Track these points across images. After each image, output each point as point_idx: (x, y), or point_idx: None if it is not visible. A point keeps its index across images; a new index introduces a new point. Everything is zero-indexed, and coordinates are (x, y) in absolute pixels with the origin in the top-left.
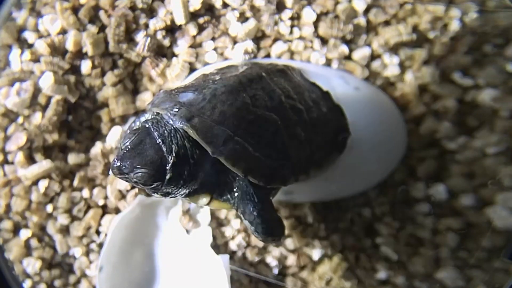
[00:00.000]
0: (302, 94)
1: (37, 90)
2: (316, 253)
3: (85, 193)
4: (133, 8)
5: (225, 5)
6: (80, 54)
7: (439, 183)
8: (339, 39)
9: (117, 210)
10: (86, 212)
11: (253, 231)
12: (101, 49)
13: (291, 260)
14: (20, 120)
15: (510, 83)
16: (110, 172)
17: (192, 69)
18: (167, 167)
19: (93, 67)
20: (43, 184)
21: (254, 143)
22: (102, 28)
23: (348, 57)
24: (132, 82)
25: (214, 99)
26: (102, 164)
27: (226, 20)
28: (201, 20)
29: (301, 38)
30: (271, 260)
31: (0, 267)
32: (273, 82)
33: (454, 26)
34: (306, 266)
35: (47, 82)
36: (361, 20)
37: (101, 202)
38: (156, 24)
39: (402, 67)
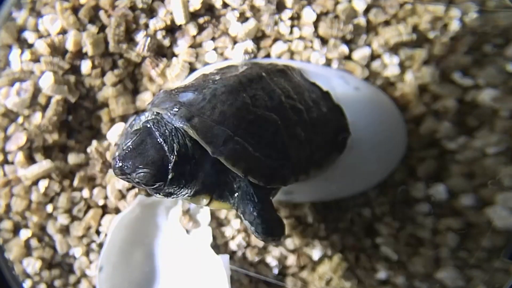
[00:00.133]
0: (302, 94)
1: (37, 90)
2: (316, 253)
3: (85, 193)
4: (133, 8)
5: (225, 5)
6: (80, 54)
7: (439, 183)
8: (339, 39)
9: (117, 210)
10: (86, 212)
11: (253, 231)
12: (101, 49)
13: (291, 260)
14: (20, 120)
15: (510, 83)
16: (112, 172)
17: (192, 69)
18: (169, 167)
19: (93, 67)
20: (43, 184)
21: (254, 143)
22: (102, 28)
23: (348, 57)
24: (132, 82)
25: (214, 99)
26: (100, 162)
27: (226, 20)
28: (201, 20)
29: (301, 38)
30: (271, 260)
31: (0, 267)
32: (273, 82)
33: (454, 26)
34: (306, 266)
35: (47, 82)
36: (361, 20)
37: (101, 202)
38: (156, 24)
39: (402, 67)
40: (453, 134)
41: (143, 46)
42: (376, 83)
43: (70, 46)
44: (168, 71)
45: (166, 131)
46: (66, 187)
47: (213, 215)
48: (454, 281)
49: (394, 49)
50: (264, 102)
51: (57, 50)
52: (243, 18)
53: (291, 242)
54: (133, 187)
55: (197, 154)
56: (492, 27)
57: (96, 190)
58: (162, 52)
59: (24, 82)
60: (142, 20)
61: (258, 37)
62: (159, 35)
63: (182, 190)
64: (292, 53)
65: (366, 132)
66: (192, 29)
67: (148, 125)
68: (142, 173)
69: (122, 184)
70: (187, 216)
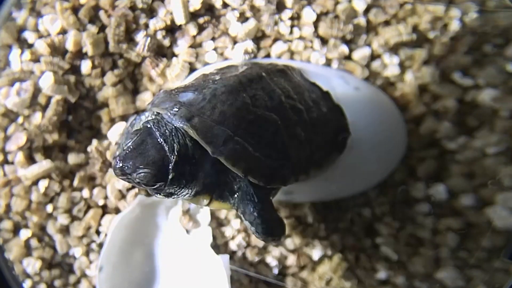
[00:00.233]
0: (302, 94)
1: (37, 90)
2: (316, 253)
3: (85, 193)
4: (133, 8)
5: (225, 5)
6: (80, 54)
7: (439, 183)
8: (339, 39)
9: (117, 210)
10: (86, 212)
11: (253, 231)
12: (101, 49)
13: (291, 260)
14: (20, 120)
15: (510, 83)
16: (112, 172)
17: (192, 69)
18: (170, 167)
19: (93, 67)
20: (43, 184)
21: (254, 143)
22: (102, 28)
23: (348, 57)
24: (132, 82)
25: (214, 99)
26: (100, 161)
27: (226, 20)
28: (201, 20)
29: (301, 38)
30: (271, 260)
31: (0, 267)
32: (273, 82)
33: (454, 26)
34: (306, 266)
35: (47, 82)
36: (361, 20)
37: (101, 202)
38: (156, 24)
39: (402, 67)
40: (453, 134)
41: (143, 46)
42: (376, 83)
43: (70, 46)
44: (168, 71)
45: (167, 131)
46: (66, 187)
47: (213, 215)
48: (454, 281)
49: (394, 49)
50: (264, 102)
51: (57, 50)
52: (243, 18)
53: (291, 242)
54: (133, 187)
55: (197, 154)
56: (492, 27)
57: (96, 190)
58: (162, 52)
59: (24, 82)
60: (142, 20)
61: (258, 37)
62: (159, 35)
63: (182, 190)
64: (292, 53)
65: (366, 132)
66: (192, 29)
67: (149, 125)
68: (143, 173)
69: (122, 184)
70: (187, 216)
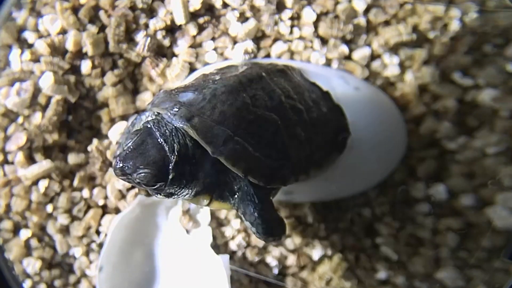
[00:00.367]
0: (302, 94)
1: (37, 90)
2: (316, 253)
3: (85, 193)
4: (133, 8)
5: (225, 5)
6: (80, 54)
7: (439, 183)
8: (339, 39)
9: (117, 210)
10: (86, 212)
11: (254, 231)
12: (101, 49)
13: (291, 260)
14: (20, 120)
15: (510, 83)
16: (113, 172)
17: (192, 69)
18: (170, 167)
19: (93, 67)
20: (43, 184)
21: (254, 143)
22: (102, 28)
23: (348, 57)
24: (132, 82)
25: (214, 99)
26: (100, 161)
27: (226, 20)
28: (201, 20)
29: (301, 38)
30: (271, 260)
31: (0, 267)
32: (273, 82)
33: (454, 26)
34: (306, 266)
35: (47, 82)
36: (361, 20)
37: (101, 202)
38: (156, 24)
39: (402, 67)
40: (453, 134)
41: (143, 46)
42: (376, 83)
43: (70, 46)
44: (168, 71)
45: (167, 131)
46: (66, 187)
47: (213, 215)
48: (454, 281)
49: (394, 49)
50: (264, 102)
51: (57, 50)
52: (243, 18)
53: (291, 242)
54: (133, 187)
55: (197, 154)
56: (492, 27)
57: (96, 190)
58: (162, 52)
59: (24, 82)
60: (142, 20)
61: (258, 37)
62: (159, 35)
63: (182, 190)
64: (292, 53)
65: (366, 132)
66: (192, 29)
67: (149, 125)
68: (143, 174)
69: (122, 184)
70: (187, 216)
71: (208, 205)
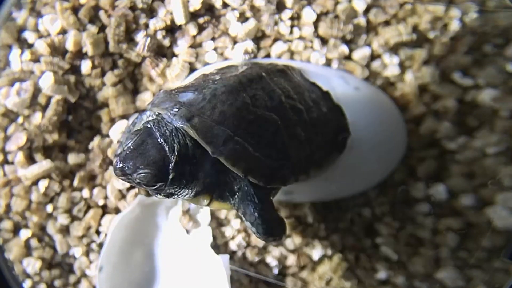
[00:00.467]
0: (302, 94)
1: (37, 90)
2: (316, 253)
3: (85, 193)
4: (133, 8)
5: (225, 5)
6: (80, 54)
7: (439, 183)
8: (339, 39)
9: (117, 210)
10: (86, 212)
11: (254, 231)
12: (101, 49)
13: (291, 260)
14: (20, 120)
15: (510, 83)
16: (113, 172)
17: (192, 69)
18: (170, 167)
19: (93, 67)
20: (43, 184)
21: (254, 143)
22: (102, 28)
23: (348, 57)
24: (132, 82)
25: (214, 99)
26: (100, 158)
27: (226, 20)
28: (201, 20)
29: (301, 38)
30: (271, 260)
31: (0, 267)
32: (273, 82)
33: (454, 26)
34: (306, 266)
35: (47, 82)
36: (361, 20)
37: (101, 202)
38: (156, 24)
39: (402, 67)
40: (453, 134)
41: (143, 46)
42: (376, 83)
43: (70, 46)
44: (168, 71)
45: (167, 131)
46: (66, 187)
47: (213, 215)
48: (454, 281)
49: (394, 49)
50: (264, 102)
51: (57, 50)
52: (243, 18)
53: (291, 242)
54: (133, 187)
55: (198, 154)
56: (492, 27)
57: (96, 190)
58: (162, 52)
59: (24, 82)
60: (142, 20)
61: (258, 37)
62: (159, 35)
63: (182, 190)
64: (292, 53)
65: (366, 132)
66: (192, 29)
67: (149, 126)
68: (143, 174)
69: (122, 184)
70: (187, 216)
71: (208, 205)
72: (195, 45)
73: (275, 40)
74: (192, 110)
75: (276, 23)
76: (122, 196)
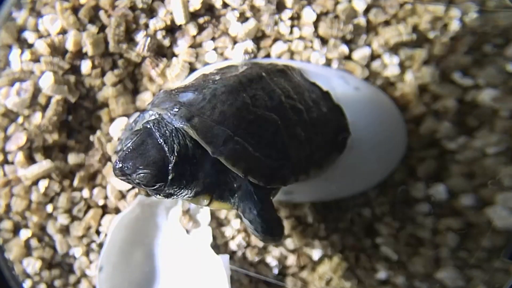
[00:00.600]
0: (302, 94)
1: (37, 90)
2: (316, 253)
3: (85, 193)
4: (133, 8)
5: (225, 5)
6: (80, 54)
7: (439, 183)
8: (339, 39)
9: (117, 210)
10: (86, 212)
11: (252, 230)
12: (101, 49)
13: (291, 260)
14: (20, 120)
15: (510, 83)
16: (112, 172)
17: (192, 69)
18: (169, 167)
19: (93, 67)
20: (43, 184)
21: (254, 143)
22: (102, 28)
23: (348, 57)
24: (132, 82)
25: (214, 99)
26: (100, 153)
27: (226, 20)
28: (201, 20)
29: (301, 38)
30: (271, 260)
31: (0, 267)
32: (273, 82)
33: (454, 26)
34: (306, 266)
35: (47, 82)
36: (361, 20)
37: (101, 202)
38: (156, 24)
39: (402, 67)
40: (453, 134)
41: (143, 46)
42: (376, 83)
43: (70, 46)
44: (168, 71)
45: (167, 131)
46: (66, 187)
47: (213, 215)
48: (454, 281)
49: (394, 49)
50: (264, 102)
51: (57, 50)
52: (243, 18)
53: (291, 242)
54: (133, 187)
55: (198, 154)
56: (492, 27)
57: (96, 190)
58: (162, 52)
59: (24, 82)
60: (142, 20)
61: (258, 37)
62: (159, 35)
63: (182, 190)
64: (292, 53)
65: (366, 132)
66: (192, 29)
67: (148, 126)
68: (143, 174)
69: (123, 184)
70: (187, 216)
71: (208, 205)
72: (195, 45)
73: (275, 40)
74: (192, 110)
75: (276, 23)
76: (122, 196)
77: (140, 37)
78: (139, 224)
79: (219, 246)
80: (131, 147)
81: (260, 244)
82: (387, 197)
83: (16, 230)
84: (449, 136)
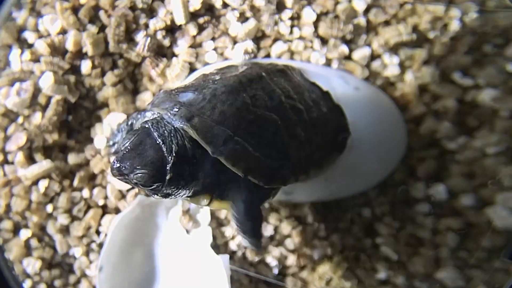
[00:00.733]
0: (302, 94)
1: (37, 90)
2: (316, 253)
3: (85, 193)
4: (133, 8)
5: (225, 5)
6: (80, 54)
7: (439, 183)
8: (339, 39)
9: (117, 210)
10: (86, 212)
11: (239, 226)
12: (101, 49)
13: (291, 260)
14: (20, 120)
15: (510, 83)
16: (110, 172)
17: (192, 69)
18: (167, 167)
19: (93, 67)
20: (43, 184)
21: (254, 143)
22: (102, 28)
23: (348, 57)
24: (132, 82)
25: (214, 99)
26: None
27: (226, 20)
28: (201, 20)
29: (301, 38)
30: (271, 260)
31: (0, 267)
32: (273, 82)
33: (454, 26)
34: (306, 266)
35: (47, 82)
36: (361, 20)
37: (101, 202)
38: (156, 24)
39: (402, 67)
40: (453, 134)
41: (143, 46)
42: (376, 83)
43: (70, 46)
44: (168, 71)
45: (165, 131)
46: (66, 187)
47: (213, 215)
48: (454, 281)
49: (394, 49)
50: (264, 102)
51: (57, 50)
52: (243, 18)
53: (291, 242)
54: (132, 187)
55: (197, 154)
56: (492, 27)
57: (96, 190)
58: (162, 52)
59: (24, 82)
60: (142, 20)
61: (258, 37)
62: (159, 35)
63: (180, 191)
64: (292, 53)
65: (366, 132)
66: (192, 29)
67: (147, 126)
68: (140, 174)
69: (123, 184)
70: (187, 216)
71: (208, 205)
72: (195, 45)
73: (275, 40)
74: (192, 110)
75: (276, 23)
76: (122, 196)
77: (140, 37)
78: (139, 224)
79: (219, 246)
80: (129, 147)
81: None
82: (387, 197)
83: (16, 230)
84: (449, 136)
